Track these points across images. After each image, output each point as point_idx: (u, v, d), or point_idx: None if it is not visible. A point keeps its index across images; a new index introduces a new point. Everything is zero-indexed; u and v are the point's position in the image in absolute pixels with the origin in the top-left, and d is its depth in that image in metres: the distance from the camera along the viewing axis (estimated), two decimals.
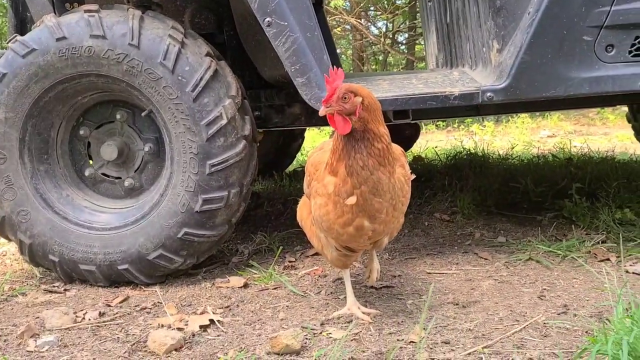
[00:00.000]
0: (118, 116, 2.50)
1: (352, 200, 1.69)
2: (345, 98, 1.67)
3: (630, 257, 2.40)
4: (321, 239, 1.93)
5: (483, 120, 9.95)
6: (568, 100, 2.62)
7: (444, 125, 10.83)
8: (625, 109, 7.99)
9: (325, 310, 2.06)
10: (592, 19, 2.20)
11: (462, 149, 5.39)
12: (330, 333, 1.83)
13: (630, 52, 2.23)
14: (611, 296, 1.94)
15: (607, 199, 3.18)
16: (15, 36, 2.41)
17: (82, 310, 2.19)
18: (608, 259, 2.43)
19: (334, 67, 1.74)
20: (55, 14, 2.48)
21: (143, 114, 2.44)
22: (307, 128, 5.59)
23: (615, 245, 2.58)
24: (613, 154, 5.24)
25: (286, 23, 2.25)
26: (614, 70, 2.24)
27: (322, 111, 1.69)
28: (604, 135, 8.65)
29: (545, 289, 2.16)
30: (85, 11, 2.30)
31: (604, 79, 2.25)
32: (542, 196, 3.58)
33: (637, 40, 2.22)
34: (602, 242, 2.63)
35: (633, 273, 2.24)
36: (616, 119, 10.14)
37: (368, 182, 1.68)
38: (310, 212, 1.98)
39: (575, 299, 2.04)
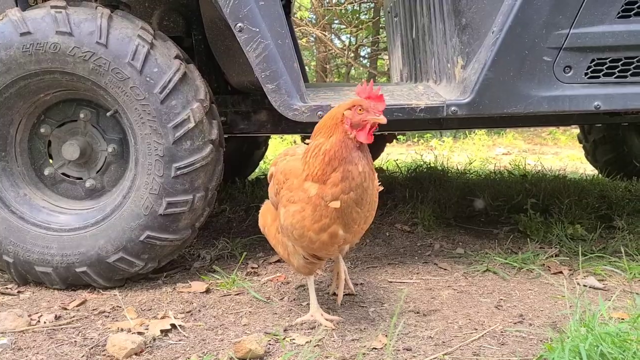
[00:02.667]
0: (82, 115, 2.44)
1: (335, 204, 1.70)
2: None
3: (580, 270, 2.50)
4: (288, 247, 1.93)
5: (442, 135, 10.18)
6: (527, 117, 2.72)
7: (404, 139, 11.01)
8: (575, 130, 8.34)
9: (289, 316, 2.06)
10: (552, 41, 2.30)
11: (422, 163, 5.49)
12: (293, 339, 1.83)
13: (586, 74, 2.33)
14: (568, 306, 2.02)
15: (560, 214, 3.31)
16: None
17: (37, 313, 2.12)
18: (561, 272, 2.52)
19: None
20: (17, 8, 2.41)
21: (108, 114, 2.40)
22: (271, 136, 5.60)
23: (568, 259, 2.68)
24: (565, 173, 5.45)
25: (258, 29, 2.26)
26: (571, 91, 2.34)
27: (385, 119, 1.73)
28: (555, 154, 8.98)
29: (502, 299, 2.22)
30: (52, 7, 2.25)
31: (562, 98, 2.34)
32: (499, 210, 3.70)
33: (593, 63, 2.33)
34: (556, 256, 2.72)
35: (584, 285, 2.33)
36: (567, 139, 10.55)
37: (358, 189, 1.71)
38: (275, 219, 1.99)
39: (531, 309, 2.11)
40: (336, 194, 1.70)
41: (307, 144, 1.86)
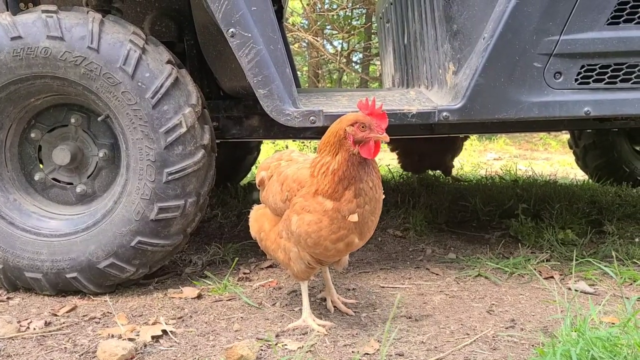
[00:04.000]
0: (72, 120, 2.43)
1: (354, 217, 1.74)
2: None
3: (571, 275, 2.51)
4: (290, 252, 1.93)
5: None
6: (518, 123, 2.73)
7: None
8: (566, 136, 8.40)
9: (280, 322, 2.05)
10: (543, 47, 2.31)
11: None
12: (285, 344, 1.83)
13: (576, 79, 2.35)
14: (559, 311, 2.03)
15: (551, 219, 3.33)
16: None
17: (26, 319, 2.10)
18: (552, 277, 2.53)
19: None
20: (8, 12, 2.40)
21: (99, 118, 2.39)
22: (263, 141, 5.59)
23: (559, 263, 2.69)
24: (555, 178, 5.49)
25: (250, 35, 2.26)
26: (561, 96, 2.35)
27: (387, 137, 1.75)
28: (545, 160, 9.02)
29: (493, 304, 2.23)
30: (43, 11, 2.23)
31: (552, 104, 2.36)
32: (490, 215, 3.71)
33: (583, 69, 2.35)
34: (547, 261, 2.74)
35: (575, 290, 2.34)
36: (557, 144, 10.62)
37: (372, 201, 1.76)
38: (275, 224, 1.98)
39: (522, 313, 2.12)
40: (352, 209, 1.74)
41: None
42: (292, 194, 1.87)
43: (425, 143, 4.78)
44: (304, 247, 1.85)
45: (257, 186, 2.19)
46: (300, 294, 2.04)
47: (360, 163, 1.74)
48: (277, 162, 2.07)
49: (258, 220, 2.12)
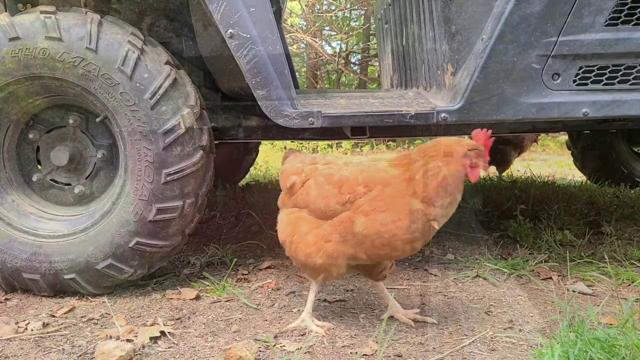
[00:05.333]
0: (71, 121, 2.42)
1: (435, 224, 1.84)
2: None
3: (569, 276, 2.51)
4: (332, 254, 1.89)
5: None
6: (516, 124, 2.73)
7: (394, 145, 11.03)
8: (564, 137, 8.41)
9: (279, 323, 2.05)
10: (541, 48, 2.31)
11: None
12: (284, 346, 1.83)
13: (574, 81, 2.35)
14: (557, 312, 2.03)
15: (549, 220, 3.33)
16: None
17: (24, 320, 2.10)
18: (550, 278, 2.53)
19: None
20: (6, 13, 2.39)
21: (98, 119, 2.38)
22: (262, 142, 5.59)
23: (557, 264, 2.70)
24: (553, 179, 5.49)
25: (249, 35, 2.26)
26: (560, 98, 2.36)
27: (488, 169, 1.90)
28: (544, 161, 9.04)
29: (492, 305, 2.23)
30: (42, 12, 2.23)
31: (550, 105, 2.36)
32: (489, 216, 3.71)
33: (581, 70, 2.35)
34: (545, 262, 2.74)
35: (573, 291, 2.34)
36: (555, 146, 10.64)
37: (444, 217, 1.89)
38: (317, 227, 1.94)
39: (520, 314, 2.12)
40: (438, 216, 1.84)
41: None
42: (355, 195, 1.87)
43: (511, 139, 4.92)
44: (368, 247, 1.85)
45: (285, 190, 2.10)
46: (299, 295, 2.04)
47: (461, 178, 1.85)
48: (313, 166, 2.04)
49: (293, 224, 2.02)
